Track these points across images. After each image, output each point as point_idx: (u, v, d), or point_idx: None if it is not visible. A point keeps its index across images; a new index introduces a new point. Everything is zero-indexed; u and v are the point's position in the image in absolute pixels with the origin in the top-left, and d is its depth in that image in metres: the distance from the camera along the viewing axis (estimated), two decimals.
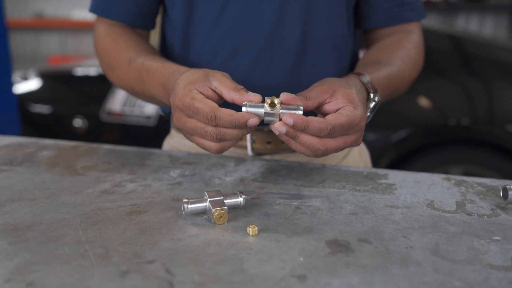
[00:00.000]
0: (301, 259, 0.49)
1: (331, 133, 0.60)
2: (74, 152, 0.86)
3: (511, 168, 2.06)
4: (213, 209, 0.57)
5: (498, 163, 2.08)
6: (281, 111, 0.60)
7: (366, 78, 0.71)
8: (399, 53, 0.83)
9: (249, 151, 0.84)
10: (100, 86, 2.59)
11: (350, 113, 0.61)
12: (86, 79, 2.73)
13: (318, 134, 0.60)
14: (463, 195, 0.66)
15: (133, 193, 0.67)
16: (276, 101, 0.60)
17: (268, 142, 0.83)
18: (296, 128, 0.59)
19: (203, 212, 0.60)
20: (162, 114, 0.91)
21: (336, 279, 0.45)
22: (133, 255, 0.50)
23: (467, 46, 2.42)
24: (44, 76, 2.79)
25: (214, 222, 0.57)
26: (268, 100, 0.60)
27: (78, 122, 2.54)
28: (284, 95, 0.61)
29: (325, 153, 0.62)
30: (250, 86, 0.81)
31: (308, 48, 0.81)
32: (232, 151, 0.87)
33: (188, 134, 0.65)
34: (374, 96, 0.70)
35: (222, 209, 0.57)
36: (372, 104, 0.70)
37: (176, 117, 0.66)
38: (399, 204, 0.63)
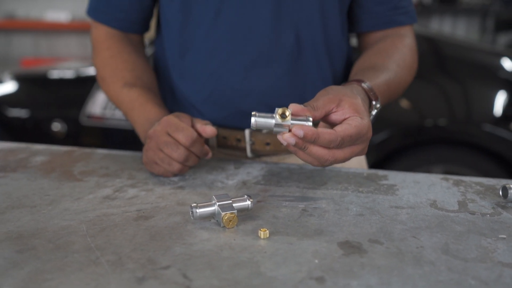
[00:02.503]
0: (316, 261, 0.49)
1: (341, 144, 0.60)
2: (69, 157, 0.85)
3: (489, 166, 2.11)
4: (223, 213, 0.57)
5: (477, 162, 2.14)
6: (291, 122, 0.60)
7: (368, 86, 0.72)
8: (394, 57, 0.84)
9: (248, 153, 0.84)
10: (79, 89, 2.55)
11: (359, 124, 0.61)
12: (64, 82, 2.68)
13: (327, 146, 0.60)
14: (463, 194, 0.68)
15: (136, 198, 0.66)
16: (287, 112, 0.60)
17: (267, 144, 0.84)
18: (307, 140, 0.59)
19: (211, 216, 0.59)
20: None
21: (354, 280, 0.46)
22: (147, 261, 0.49)
23: (442, 48, 2.47)
24: (20, 79, 2.72)
25: (224, 226, 0.57)
26: (279, 111, 0.60)
27: (56, 126, 2.49)
28: (293, 106, 0.61)
29: (333, 163, 0.62)
30: (246, 88, 0.82)
31: (302, 50, 0.82)
32: (231, 153, 0.87)
33: (157, 147, 0.72)
34: (376, 104, 0.71)
35: (232, 213, 0.57)
36: (374, 112, 0.71)
37: (156, 129, 0.73)
38: (403, 205, 0.64)
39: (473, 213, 0.61)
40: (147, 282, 0.46)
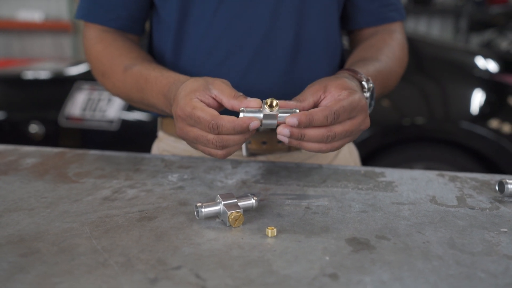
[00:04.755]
0: (327, 258, 0.50)
1: (336, 117, 0.60)
2: (61, 159, 0.83)
3: (468, 163, 2.16)
4: (229, 212, 0.56)
5: (456, 159, 2.18)
6: (280, 114, 0.61)
7: (356, 71, 0.72)
8: (384, 50, 0.85)
9: (244, 152, 0.84)
10: (57, 90, 2.50)
11: (348, 96, 0.62)
12: (41, 82, 2.62)
13: (325, 123, 0.60)
14: (460, 190, 0.69)
15: (136, 199, 0.65)
16: (274, 102, 0.60)
17: (264, 143, 0.84)
18: (303, 125, 0.59)
19: (215, 216, 0.59)
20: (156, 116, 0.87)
21: (366, 276, 0.46)
22: (157, 262, 0.49)
23: (419, 47, 2.52)
24: None
25: (230, 225, 0.57)
26: (267, 101, 0.60)
27: (34, 128, 2.44)
28: (279, 102, 0.61)
29: (335, 138, 0.61)
30: (245, 87, 0.81)
31: (301, 49, 0.82)
32: None
33: (192, 142, 0.65)
34: (367, 84, 0.70)
35: (238, 212, 0.57)
36: (368, 94, 0.70)
37: (179, 127, 0.65)
38: (403, 201, 0.65)
39: (472, 208, 0.63)
40: (160, 283, 0.45)
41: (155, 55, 0.88)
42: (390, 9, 0.90)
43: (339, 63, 0.91)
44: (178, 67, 0.83)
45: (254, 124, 0.60)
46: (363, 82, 0.70)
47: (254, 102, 0.62)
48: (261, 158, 0.86)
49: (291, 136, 0.60)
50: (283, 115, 0.61)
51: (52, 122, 2.38)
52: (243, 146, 0.84)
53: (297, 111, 0.61)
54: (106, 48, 0.82)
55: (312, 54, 0.83)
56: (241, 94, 0.64)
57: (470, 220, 0.59)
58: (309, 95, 0.64)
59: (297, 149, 0.88)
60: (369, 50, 0.86)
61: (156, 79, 0.73)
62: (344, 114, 0.61)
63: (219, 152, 0.63)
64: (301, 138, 0.61)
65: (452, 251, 0.51)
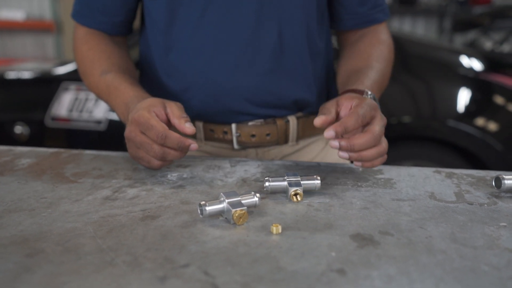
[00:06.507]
0: (333, 254, 0.50)
1: (364, 118, 0.67)
2: (56, 159, 0.82)
3: (454, 160, 2.19)
4: (233, 210, 0.56)
5: (443, 156, 2.21)
6: (302, 182, 0.65)
7: (358, 90, 0.77)
8: (374, 55, 0.89)
9: (235, 145, 0.87)
10: (43, 90, 2.47)
11: (362, 101, 0.69)
12: (26, 83, 2.59)
13: (356, 126, 0.66)
14: (458, 186, 0.71)
15: (137, 198, 0.65)
16: (299, 197, 0.64)
17: (253, 136, 0.86)
18: (340, 133, 0.65)
19: (219, 214, 0.59)
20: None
21: (373, 271, 0.47)
22: (165, 260, 0.49)
23: (405, 46, 2.54)
24: None
25: (234, 223, 0.57)
26: (292, 192, 0.64)
27: (19, 129, 2.41)
28: (318, 120, 0.69)
29: (381, 138, 0.68)
30: (233, 84, 0.84)
31: (285, 48, 0.85)
32: (217, 145, 0.90)
33: (135, 146, 0.72)
34: (366, 93, 0.76)
35: (242, 210, 0.57)
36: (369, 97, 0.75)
37: (130, 129, 0.71)
38: (403, 197, 0.66)
39: (471, 204, 0.64)
40: (170, 281, 0.45)
41: (151, 53, 0.89)
42: (377, 10, 0.93)
43: (325, 63, 0.93)
44: (169, 66, 0.86)
45: (194, 146, 0.69)
46: (365, 96, 0.76)
47: (188, 129, 0.70)
48: (251, 150, 0.89)
49: (341, 148, 0.66)
50: (306, 182, 0.65)
51: (38, 122, 2.36)
52: (234, 139, 0.86)
53: (318, 180, 0.66)
54: (89, 50, 0.88)
55: (295, 53, 0.86)
56: (185, 116, 0.72)
57: (470, 215, 0.60)
58: (328, 109, 0.70)
59: (286, 142, 0.89)
60: (360, 58, 0.90)
61: (124, 90, 0.81)
62: (368, 114, 0.68)
63: (156, 162, 0.71)
64: (352, 149, 0.66)
65: (454, 245, 0.52)
